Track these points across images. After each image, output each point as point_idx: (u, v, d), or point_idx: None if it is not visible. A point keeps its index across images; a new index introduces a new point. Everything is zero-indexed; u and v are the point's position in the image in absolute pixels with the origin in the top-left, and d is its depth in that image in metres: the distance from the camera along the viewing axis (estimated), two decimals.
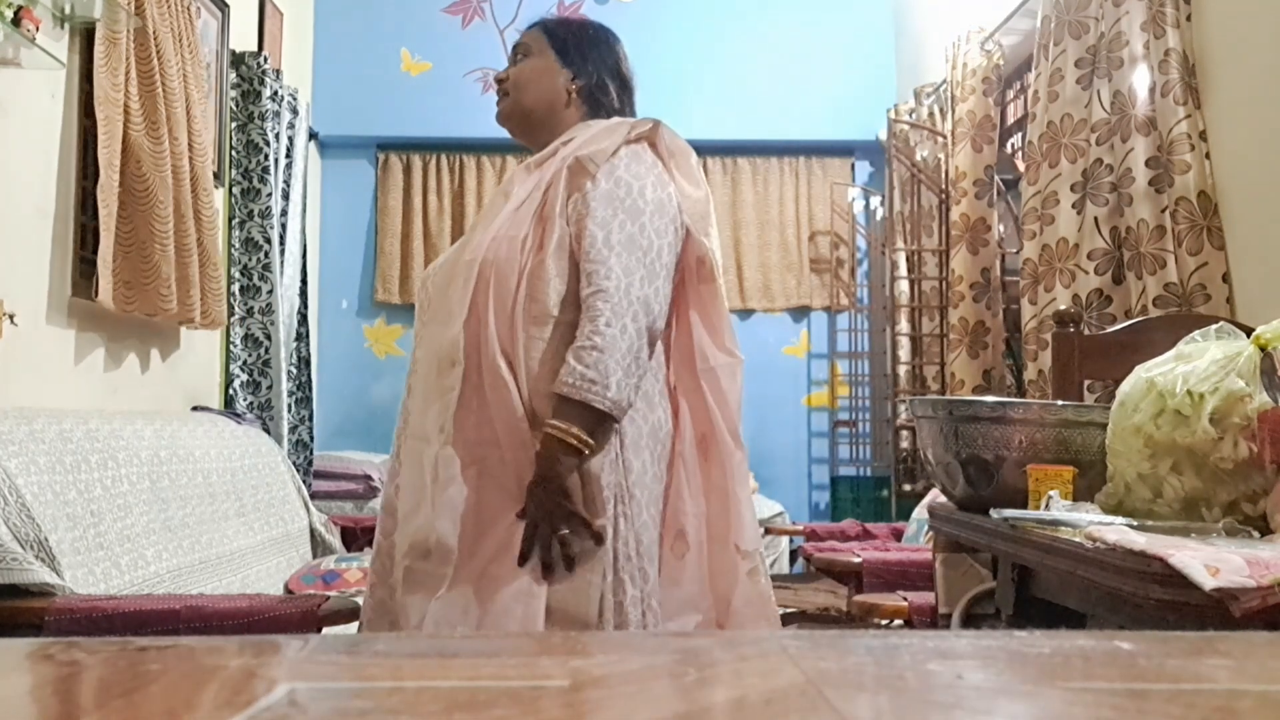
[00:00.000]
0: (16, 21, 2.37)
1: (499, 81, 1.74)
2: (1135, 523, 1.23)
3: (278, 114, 3.88)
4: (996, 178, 3.64)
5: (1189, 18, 2.41)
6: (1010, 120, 3.86)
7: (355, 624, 1.85)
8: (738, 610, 1.58)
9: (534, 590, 1.45)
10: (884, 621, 2.42)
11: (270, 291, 3.74)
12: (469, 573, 1.47)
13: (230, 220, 3.70)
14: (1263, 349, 1.27)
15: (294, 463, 3.83)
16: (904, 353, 4.21)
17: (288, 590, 2.83)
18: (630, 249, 1.50)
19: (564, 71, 1.71)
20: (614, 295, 1.47)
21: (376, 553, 1.64)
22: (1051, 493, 1.39)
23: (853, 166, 5.15)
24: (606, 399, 1.44)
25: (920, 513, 3.23)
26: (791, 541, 4.38)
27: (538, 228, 1.56)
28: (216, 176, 3.53)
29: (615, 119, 1.69)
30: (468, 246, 1.59)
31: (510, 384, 1.49)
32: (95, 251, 2.66)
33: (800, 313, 5.12)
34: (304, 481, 3.71)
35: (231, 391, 3.68)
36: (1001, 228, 3.71)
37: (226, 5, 3.63)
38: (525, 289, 1.52)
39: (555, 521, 1.45)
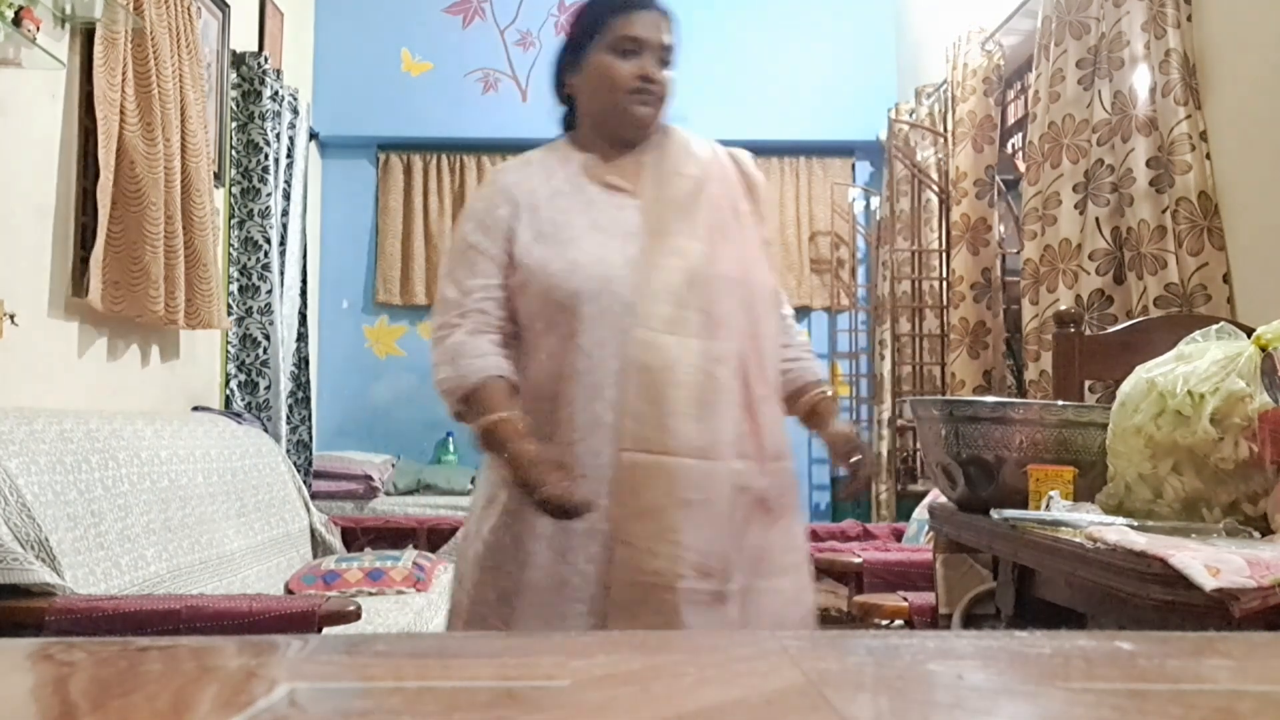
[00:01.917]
0: (17, 21, 2.37)
1: (654, 81, 1.63)
2: (1136, 523, 1.23)
3: (278, 114, 3.88)
4: (997, 178, 3.64)
5: (1189, 18, 2.41)
6: (1011, 120, 3.86)
7: (355, 624, 1.85)
8: None
9: (801, 598, 1.57)
10: (884, 621, 2.42)
11: (269, 291, 3.74)
12: (744, 588, 1.52)
13: (230, 220, 3.70)
14: (1263, 349, 1.27)
15: (294, 463, 3.83)
16: (904, 353, 4.21)
17: (288, 590, 2.83)
18: None
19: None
20: None
21: (558, 582, 1.51)
22: (1052, 493, 1.39)
23: (853, 166, 5.15)
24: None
25: (920, 513, 3.23)
26: None
27: (762, 248, 1.68)
28: (217, 176, 3.53)
29: (680, 126, 1.72)
30: (718, 260, 1.59)
31: (779, 399, 1.62)
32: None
33: (800, 313, 5.11)
34: (304, 482, 3.71)
35: (229, 391, 3.68)
36: (1002, 228, 3.71)
37: (227, 5, 3.64)
38: (774, 304, 1.66)
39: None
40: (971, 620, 1.98)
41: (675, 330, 1.52)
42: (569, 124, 1.74)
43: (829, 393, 1.73)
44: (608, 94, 1.63)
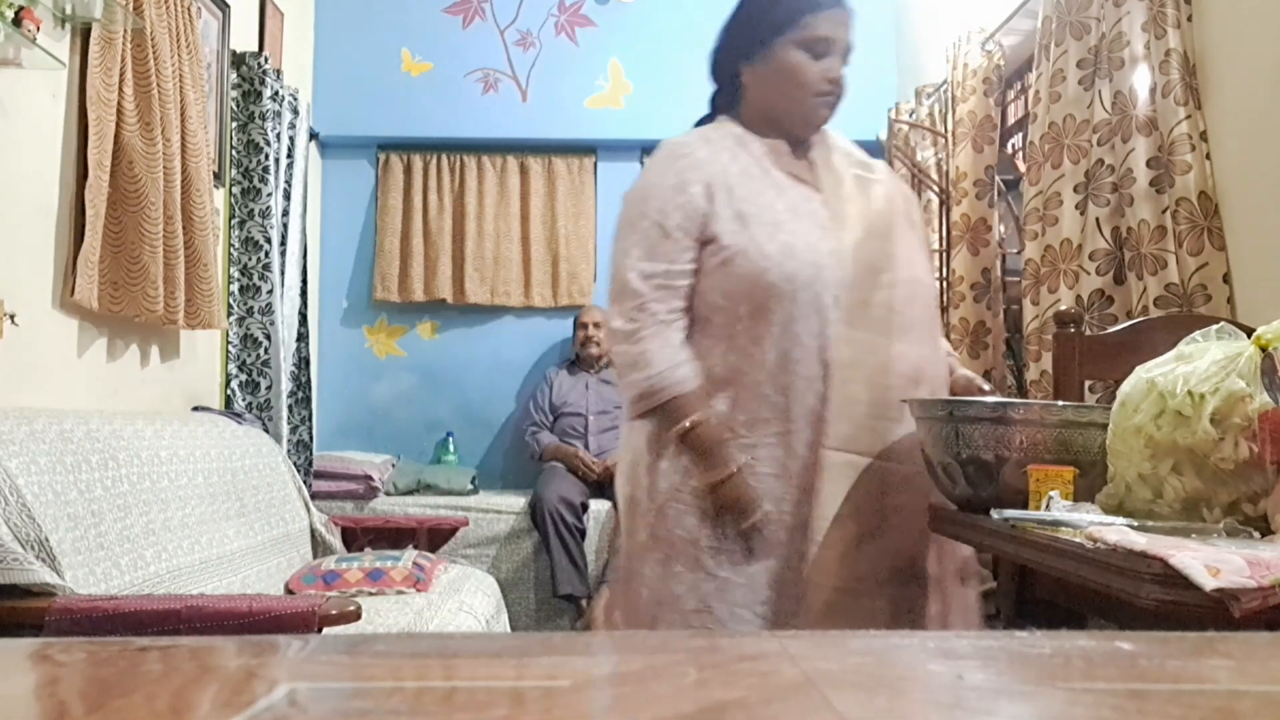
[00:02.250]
0: (17, 21, 2.37)
1: (838, 83, 1.64)
2: (1136, 523, 1.23)
3: (278, 114, 3.88)
4: (997, 178, 3.64)
5: (1189, 18, 2.41)
6: (1011, 120, 3.86)
7: (355, 624, 1.85)
8: None
9: (973, 605, 1.60)
10: None
11: (270, 291, 3.74)
12: (938, 595, 1.53)
13: (230, 220, 3.70)
14: (1263, 349, 1.27)
15: (294, 463, 3.83)
16: None
17: (288, 590, 2.83)
18: None
19: None
20: None
21: (772, 580, 1.52)
22: (1052, 493, 1.38)
23: None
24: None
25: None
26: None
27: (925, 251, 1.68)
28: (217, 176, 3.53)
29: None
30: (900, 262, 1.56)
31: None
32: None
33: None
34: (304, 482, 3.71)
35: (230, 391, 3.68)
36: (1002, 228, 3.70)
37: (227, 5, 3.64)
38: (939, 306, 1.66)
39: None
40: None
41: (876, 330, 1.50)
42: (720, 105, 1.67)
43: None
44: (796, 94, 1.58)
